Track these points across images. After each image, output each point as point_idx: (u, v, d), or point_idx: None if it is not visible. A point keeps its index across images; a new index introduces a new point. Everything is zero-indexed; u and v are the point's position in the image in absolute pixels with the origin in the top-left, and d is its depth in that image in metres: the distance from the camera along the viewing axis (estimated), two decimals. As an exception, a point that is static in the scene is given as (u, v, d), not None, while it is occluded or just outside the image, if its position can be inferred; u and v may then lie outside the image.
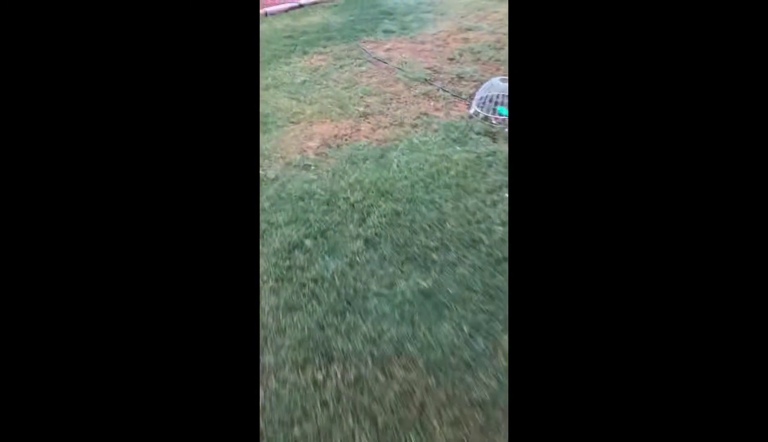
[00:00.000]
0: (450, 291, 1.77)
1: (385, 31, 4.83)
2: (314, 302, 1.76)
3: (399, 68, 3.94)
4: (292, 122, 3.18)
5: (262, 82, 3.79)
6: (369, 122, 3.12)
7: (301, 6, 5.96)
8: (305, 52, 4.39)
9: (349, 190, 2.40)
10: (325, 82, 3.75)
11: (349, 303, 1.74)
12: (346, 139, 2.94)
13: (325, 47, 4.52)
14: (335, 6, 5.91)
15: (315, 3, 6.04)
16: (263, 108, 3.36)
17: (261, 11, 5.73)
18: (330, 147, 2.86)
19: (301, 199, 2.37)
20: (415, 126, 3.04)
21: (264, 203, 2.35)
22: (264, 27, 5.24)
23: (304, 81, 3.79)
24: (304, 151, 2.83)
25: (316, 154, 2.79)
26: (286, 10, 5.84)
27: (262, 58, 4.29)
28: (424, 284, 1.81)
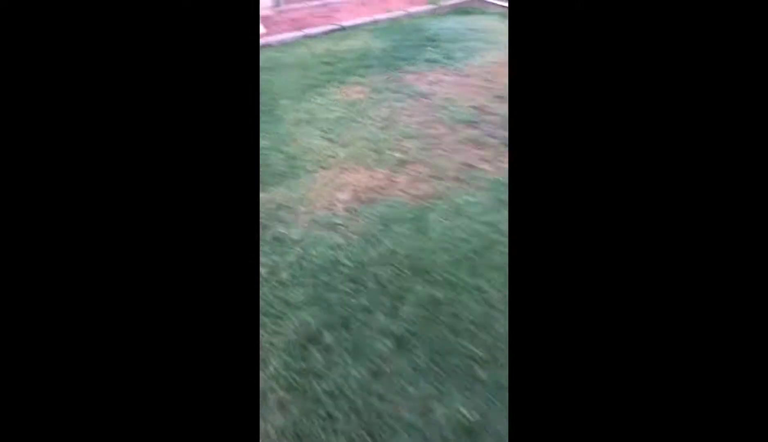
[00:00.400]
0: (501, 430, 1.39)
1: (428, 61, 4.51)
2: (330, 430, 1.42)
3: (442, 106, 3.61)
4: (323, 167, 2.89)
5: (295, 116, 3.54)
6: (406, 172, 2.79)
7: (342, 29, 5.74)
8: (342, 82, 4.13)
9: (379, 264, 2.07)
10: (361, 120, 3.45)
11: (372, 437, 1.40)
12: (380, 193, 2.62)
13: (363, 77, 4.24)
14: (377, 29, 5.65)
15: (356, 26, 5.80)
16: (293, 148, 3.10)
17: (300, 33, 5.55)
18: (362, 202, 2.55)
19: (325, 271, 2.06)
20: (458, 180, 2.69)
21: (282, 274, 2.05)
22: (303, 51, 5.03)
23: (339, 117, 3.51)
24: (333, 205, 2.53)
25: (346, 210, 2.48)
26: (327, 33, 5.63)
27: (297, 87, 4.06)
28: (467, 414, 1.44)
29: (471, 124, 3.33)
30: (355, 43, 5.22)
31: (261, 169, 2.85)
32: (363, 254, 2.15)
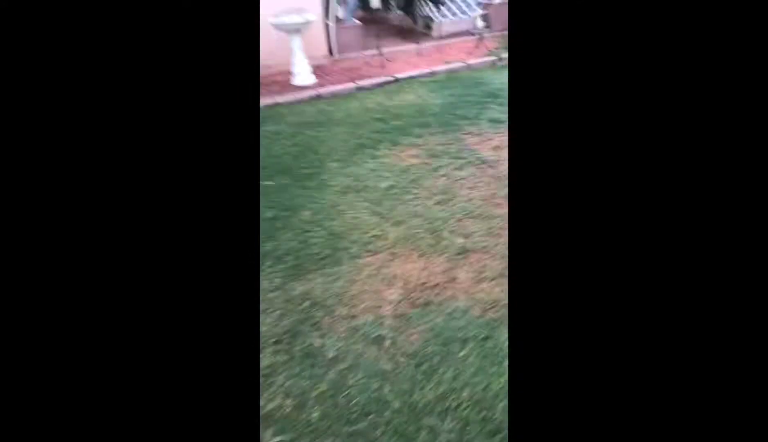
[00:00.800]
0: None
1: (492, 121, 4.08)
2: None
3: (507, 177, 3.12)
4: (369, 251, 2.48)
5: (342, 183, 3.19)
6: (469, 265, 2.32)
7: (396, 80, 5.48)
8: (395, 143, 3.77)
9: (438, 414, 1.57)
10: (415, 191, 3.04)
11: None
12: (437, 293, 2.15)
13: (419, 137, 3.87)
14: (434, 82, 5.35)
15: (412, 78, 5.54)
16: (338, 223, 2.72)
17: (353, 84, 5.34)
18: (414, 305, 2.09)
19: (365, 413, 1.59)
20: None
21: (313, 412, 1.60)
22: (354, 104, 4.78)
23: (391, 186, 3.12)
24: (379, 307, 2.08)
25: (395, 316, 2.02)
26: (380, 85, 5.39)
27: (346, 147, 3.75)
28: None
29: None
30: (410, 97, 4.92)
31: (300, 249, 2.49)
32: (415, 389, 1.67)
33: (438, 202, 2.89)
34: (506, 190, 2.98)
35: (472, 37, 7.18)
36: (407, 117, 4.33)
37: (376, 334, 1.94)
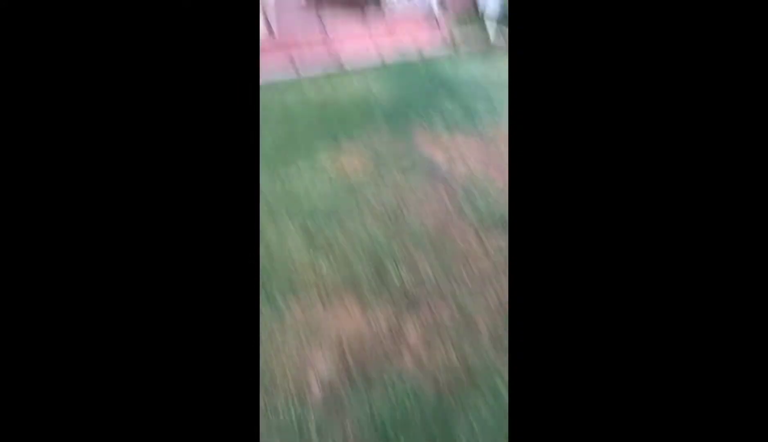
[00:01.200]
0: None
1: (445, 119, 3.63)
2: None
3: (465, 191, 2.70)
4: (295, 293, 1.96)
5: (268, 196, 2.62)
6: (420, 319, 1.87)
7: (342, 68, 4.87)
8: (336, 143, 3.23)
9: None
10: (356, 206, 2.54)
11: None
12: (381, 360, 1.68)
13: (364, 136, 3.35)
14: (383, 71, 4.80)
15: (359, 64, 4.95)
16: (261, 254, 2.16)
17: (293, 72, 4.68)
18: (351, 379, 1.61)
19: None
20: (496, 341, 1.76)
21: None
22: (293, 97, 4.15)
23: (328, 201, 2.59)
24: (306, 385, 1.58)
25: (325, 401, 1.54)
26: (324, 72, 4.76)
27: (280, 150, 3.15)
28: None
29: (505, 226, 2.43)
30: (356, 87, 4.35)
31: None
32: None
33: (382, 225, 2.41)
34: (463, 207, 2.55)
35: (427, 19, 6.67)
36: (351, 110, 3.79)
37: (300, 426, 1.45)
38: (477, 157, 3.13)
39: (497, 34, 5.90)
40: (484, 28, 6.19)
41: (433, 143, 3.28)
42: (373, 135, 3.37)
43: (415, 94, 4.14)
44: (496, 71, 4.79)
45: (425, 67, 4.90)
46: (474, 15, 6.73)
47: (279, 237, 2.30)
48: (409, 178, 2.84)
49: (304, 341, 1.75)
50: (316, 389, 1.58)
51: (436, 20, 5.90)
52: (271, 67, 4.69)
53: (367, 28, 5.94)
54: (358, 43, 5.56)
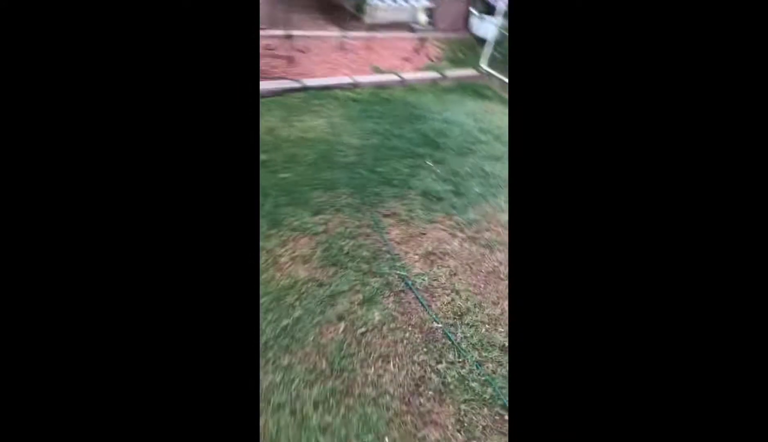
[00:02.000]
0: None
1: (426, 195, 2.80)
2: None
3: (450, 332, 1.89)
4: None
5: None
6: None
7: (304, 89, 3.92)
8: (276, 227, 2.32)
9: None
10: (287, 361, 1.66)
11: None
12: None
13: (317, 213, 2.47)
14: (355, 101, 3.89)
15: (326, 88, 4.02)
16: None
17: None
18: None
19: None
20: None
21: None
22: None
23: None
24: None
25: None
26: (280, 92, 3.80)
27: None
28: None
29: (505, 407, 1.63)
30: (318, 123, 3.42)
31: None
32: None
33: (321, 401, 1.55)
34: (447, 372, 1.73)
35: (411, 36, 5.78)
36: (307, 165, 2.88)
37: None
38: (464, 265, 2.31)
39: (492, 59, 5.08)
40: (476, 52, 5.38)
41: (408, 238, 2.44)
42: (330, 214, 2.49)
43: (390, 147, 3.27)
44: (486, 118, 3.99)
45: (405, 102, 4.02)
46: (466, 35, 5.90)
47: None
48: (370, 301, 1.99)
49: None
50: None
51: (422, 36, 5.02)
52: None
53: (343, 51, 4.99)
54: (329, 62, 4.61)
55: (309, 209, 2.48)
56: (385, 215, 2.57)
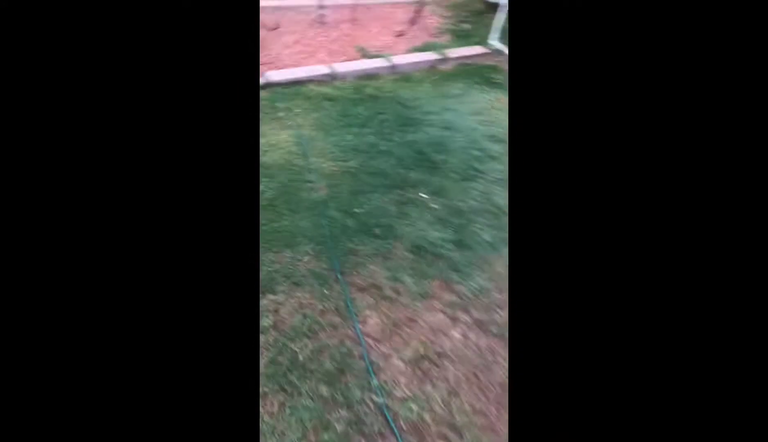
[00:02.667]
0: None
1: (420, 251, 2.08)
2: None
3: None
4: None
5: None
6: None
7: (268, 86, 3.11)
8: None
9: None
10: None
11: None
12: None
13: (267, 283, 1.78)
14: (330, 101, 3.08)
15: (295, 82, 3.20)
16: None
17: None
18: None
19: None
20: None
21: None
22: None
23: None
24: None
25: None
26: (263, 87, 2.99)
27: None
28: None
29: None
30: (281, 141, 2.66)
31: None
32: None
33: None
34: None
35: (409, 0, 4.81)
36: (264, 207, 2.16)
37: None
38: (474, 399, 1.64)
39: (504, 32, 4.13)
40: (485, 21, 4.42)
41: (395, 338, 1.75)
42: (287, 288, 1.81)
43: (374, 169, 2.51)
44: (502, 116, 3.18)
45: (396, 97, 3.20)
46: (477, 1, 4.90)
47: None
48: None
49: None
50: None
51: (419, 6, 4.10)
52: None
53: (323, 25, 4.08)
54: (303, 43, 3.74)
55: (263, 280, 1.79)
56: (361, 289, 1.87)
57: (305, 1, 4.42)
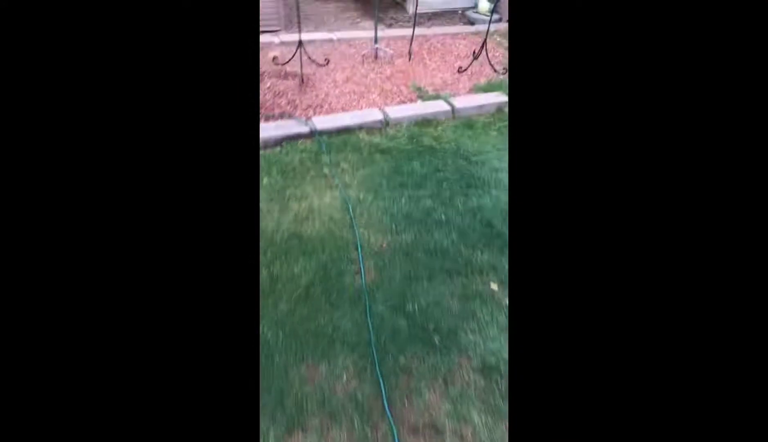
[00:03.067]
0: None
1: (486, 367, 1.60)
2: None
3: None
4: None
5: None
6: None
7: (312, 135, 2.78)
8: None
9: None
10: None
11: None
12: None
13: (291, 416, 1.37)
14: (383, 156, 2.69)
15: (345, 129, 2.84)
16: None
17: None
18: None
19: None
20: None
21: None
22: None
23: None
24: None
25: None
26: (280, 142, 2.68)
27: None
28: None
29: None
30: (324, 206, 2.30)
31: None
32: None
33: None
34: None
35: (468, 31, 4.40)
36: (295, 296, 1.78)
37: None
38: None
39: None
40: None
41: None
42: (323, 435, 1.40)
43: (435, 256, 2.07)
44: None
45: (459, 152, 2.76)
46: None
47: None
48: None
49: None
50: None
51: (483, 38, 3.67)
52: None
53: (374, 50, 3.75)
54: (355, 71, 3.40)
55: (276, 417, 1.39)
56: (414, 430, 1.42)
57: (359, 33, 4.11)
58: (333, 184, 2.41)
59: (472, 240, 2.12)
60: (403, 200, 2.33)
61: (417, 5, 3.69)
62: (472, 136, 2.90)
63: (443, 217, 2.24)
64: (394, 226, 2.17)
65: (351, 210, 2.23)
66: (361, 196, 2.34)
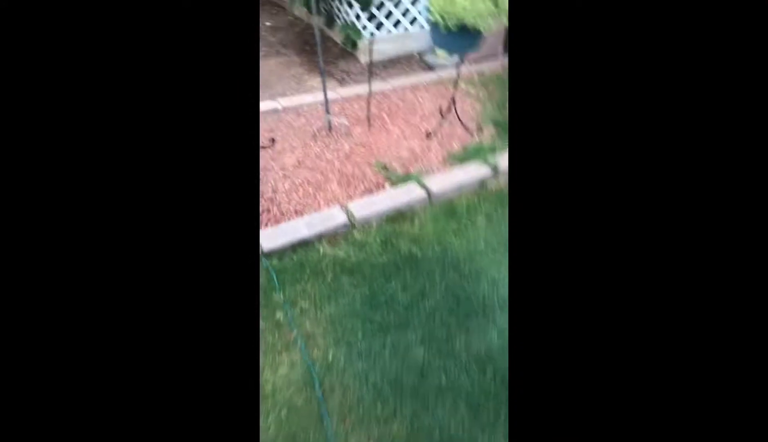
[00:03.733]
0: None
1: None
2: None
3: None
4: None
5: None
6: None
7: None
8: None
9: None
10: None
11: None
12: None
13: None
14: (350, 277, 2.12)
15: (301, 244, 2.25)
16: None
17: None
18: None
19: None
20: None
21: None
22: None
23: None
24: None
25: None
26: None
27: None
28: None
29: None
30: (279, 377, 1.69)
31: None
32: None
33: None
34: None
35: (429, 79, 3.93)
36: None
37: None
38: None
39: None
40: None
41: None
42: None
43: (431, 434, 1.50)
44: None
45: (443, 249, 2.22)
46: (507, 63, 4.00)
47: None
48: None
49: None
50: None
51: (451, 88, 3.16)
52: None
53: (327, 140, 3.20)
54: (306, 152, 2.82)
55: None
56: None
57: (308, 98, 3.56)
58: (290, 340, 1.81)
59: (487, 414, 1.56)
60: (387, 354, 1.76)
61: (371, 55, 3.18)
62: (458, 231, 2.37)
63: (443, 377, 1.68)
64: (379, 406, 1.58)
65: (318, 387, 1.63)
66: (331, 357, 1.75)
